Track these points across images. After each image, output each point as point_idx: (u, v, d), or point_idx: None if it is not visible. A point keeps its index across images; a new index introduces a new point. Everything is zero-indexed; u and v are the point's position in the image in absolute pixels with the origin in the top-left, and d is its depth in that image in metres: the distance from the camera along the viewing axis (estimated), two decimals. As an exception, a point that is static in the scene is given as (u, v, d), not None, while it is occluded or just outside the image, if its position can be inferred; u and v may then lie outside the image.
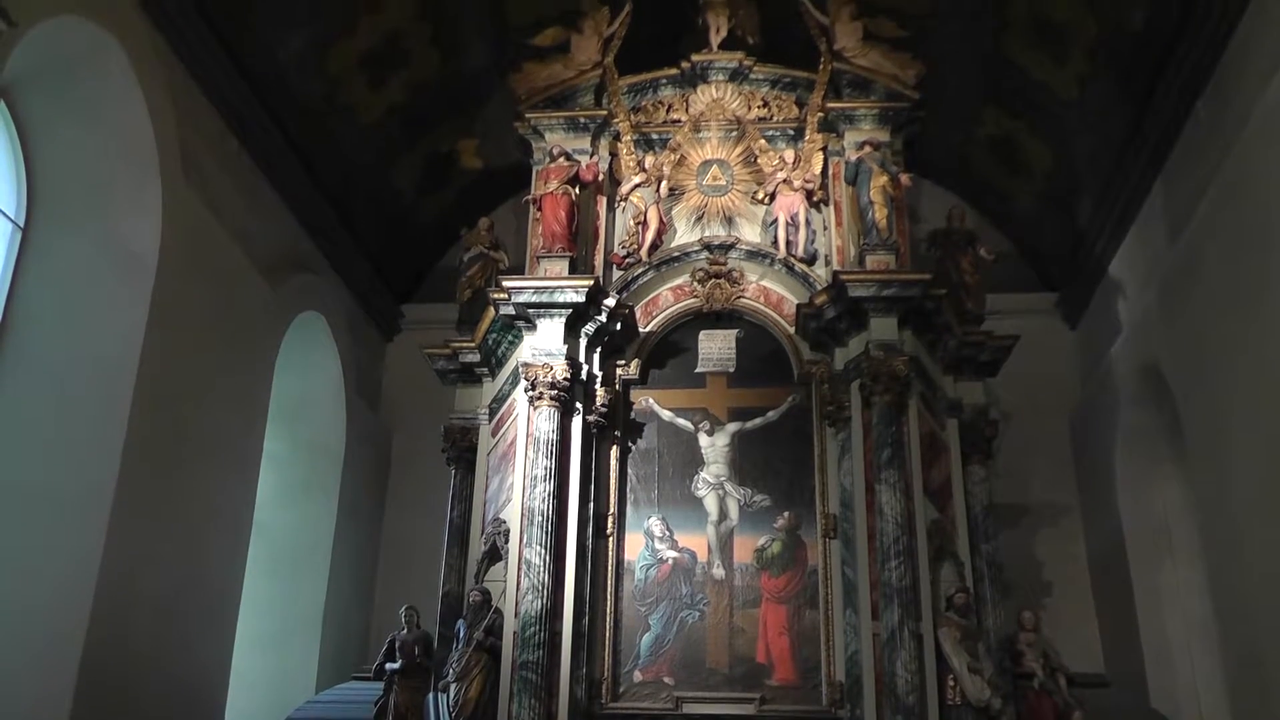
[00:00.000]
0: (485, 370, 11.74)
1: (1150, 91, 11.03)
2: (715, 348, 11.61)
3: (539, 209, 11.44)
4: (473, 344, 11.63)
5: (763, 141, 12.00)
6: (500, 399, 11.51)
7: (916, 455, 10.57)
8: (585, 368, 10.97)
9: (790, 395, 11.31)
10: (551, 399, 10.59)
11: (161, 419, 9.86)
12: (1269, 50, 9.11)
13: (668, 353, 11.65)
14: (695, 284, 11.65)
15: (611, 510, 10.94)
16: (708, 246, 11.67)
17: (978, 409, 11.43)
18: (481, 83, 13.65)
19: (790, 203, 11.63)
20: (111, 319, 9.58)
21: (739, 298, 11.61)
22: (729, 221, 11.88)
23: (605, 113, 12.05)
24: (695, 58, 12.20)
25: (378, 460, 14.51)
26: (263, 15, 10.82)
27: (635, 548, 10.94)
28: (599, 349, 11.21)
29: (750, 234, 11.80)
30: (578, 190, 11.46)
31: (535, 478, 10.37)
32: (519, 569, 10.23)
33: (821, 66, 11.92)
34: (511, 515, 10.68)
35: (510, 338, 11.41)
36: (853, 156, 11.47)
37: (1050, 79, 12.32)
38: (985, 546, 10.94)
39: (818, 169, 11.82)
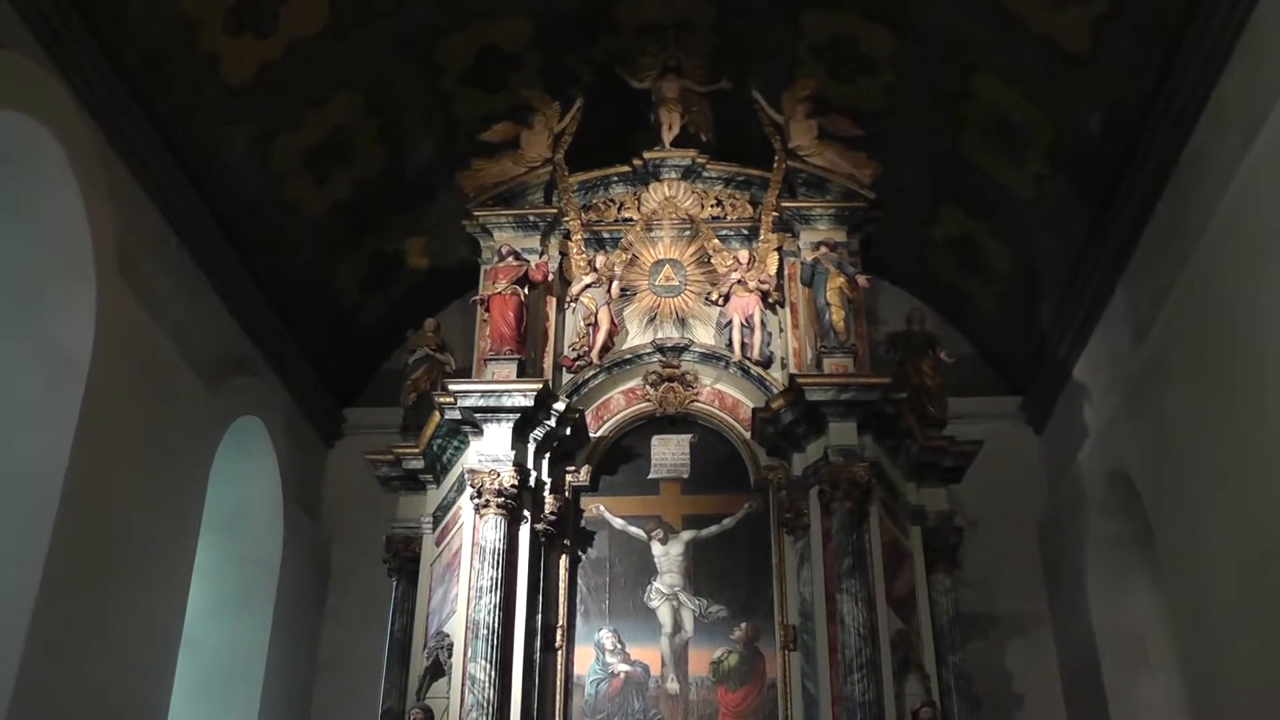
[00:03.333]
0: (429, 477, 11.84)
1: (1110, 193, 11.38)
2: (669, 453, 11.76)
3: (487, 310, 11.64)
4: (417, 450, 11.74)
5: (716, 241, 12.30)
6: (445, 507, 11.59)
7: (879, 564, 10.69)
8: (534, 474, 11.06)
9: (746, 502, 11.44)
10: (498, 507, 10.66)
11: (87, 530, 9.80)
12: (1227, 152, 9.42)
13: (620, 458, 11.78)
14: (648, 387, 11.82)
15: (561, 622, 10.98)
16: (660, 349, 11.87)
17: (942, 516, 11.60)
18: (429, 179, 13.91)
19: (745, 304, 11.88)
20: (39, 423, 9.57)
21: (693, 402, 11.78)
22: (682, 323, 12.11)
23: (555, 211, 12.33)
24: (647, 155, 12.53)
25: (316, 572, 14.43)
26: (207, 111, 11.04)
27: (585, 661, 10.96)
28: (548, 455, 11.33)
29: (704, 336, 12.03)
30: (527, 290, 11.67)
31: (481, 589, 10.41)
32: (463, 685, 10.22)
33: (776, 165, 12.28)
34: (456, 628, 10.70)
35: (456, 443, 11.52)
36: (809, 257, 11.73)
37: (1008, 179, 12.70)
38: (952, 658, 11.04)
39: (773, 269, 12.12)
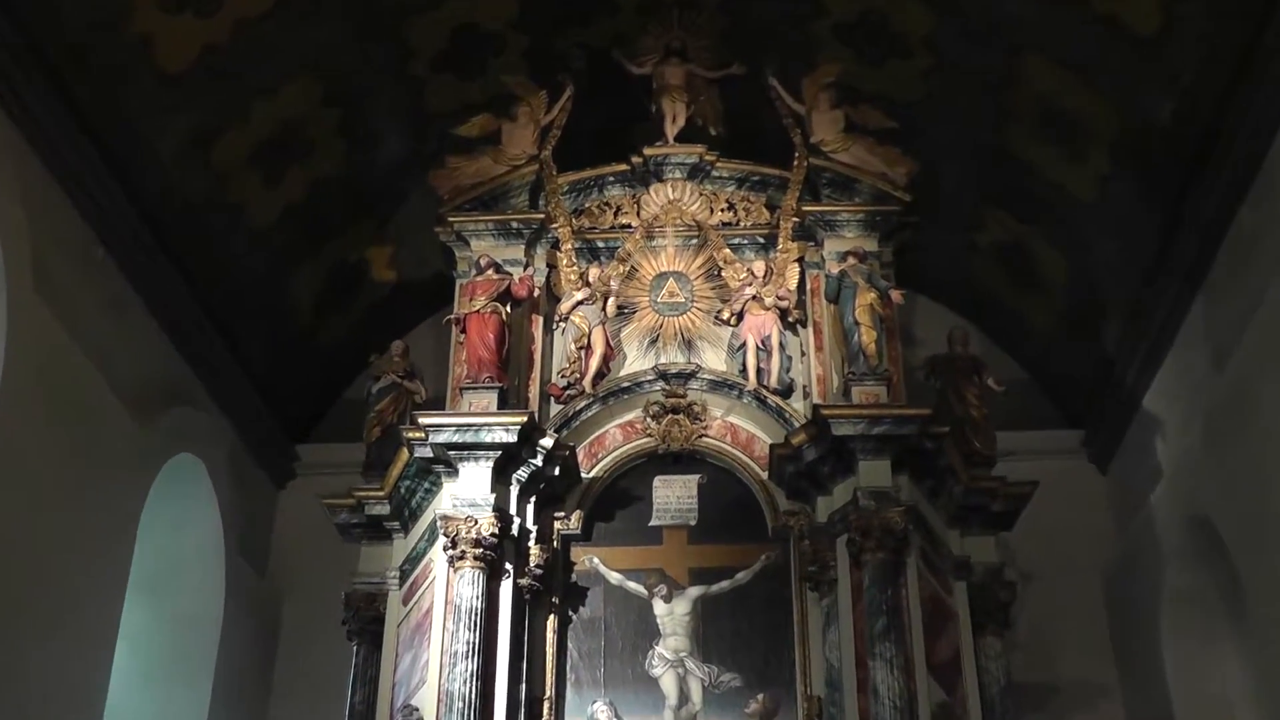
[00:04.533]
0: (396, 524, 11.81)
1: (1183, 195, 11.37)
2: (673, 496, 11.74)
3: (463, 331, 11.63)
4: (381, 493, 11.71)
5: (727, 251, 12.32)
6: (414, 559, 11.56)
7: (918, 625, 10.64)
8: (517, 521, 11.03)
9: (763, 553, 11.42)
10: (476, 559, 10.62)
11: (-4, 586, 9.77)
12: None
13: (616, 502, 11.77)
14: (649, 420, 11.81)
15: (548, 693, 10.91)
16: (663, 375, 11.86)
17: (991, 569, 11.58)
18: (396, 180, 13.94)
19: (761, 324, 11.88)
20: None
21: (701, 437, 11.78)
22: (688, 345, 12.11)
23: (542, 216, 12.36)
24: (648, 151, 12.56)
25: (263, 634, 14.35)
26: (137, 101, 11.02)
27: (577, 739, 10.92)
28: (533, 498, 11.30)
29: (714, 361, 12.03)
30: (509, 308, 11.66)
31: (455, 654, 10.34)
32: (434, 767, 10.19)
33: (796, 163, 12.33)
34: (426, 700, 10.63)
35: (427, 485, 11.50)
36: (834, 269, 11.74)
37: (1065, 178, 12.69)
38: (1004, 735, 11.01)
39: (793, 284, 12.15)
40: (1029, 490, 11.69)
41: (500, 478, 11.02)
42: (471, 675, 10.26)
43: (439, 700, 10.35)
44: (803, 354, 12.02)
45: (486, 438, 10.93)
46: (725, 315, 12.15)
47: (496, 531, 10.73)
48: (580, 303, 12.12)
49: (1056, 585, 13.80)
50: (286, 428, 15.11)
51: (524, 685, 10.77)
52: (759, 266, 12.19)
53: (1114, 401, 13.79)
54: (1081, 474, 14.55)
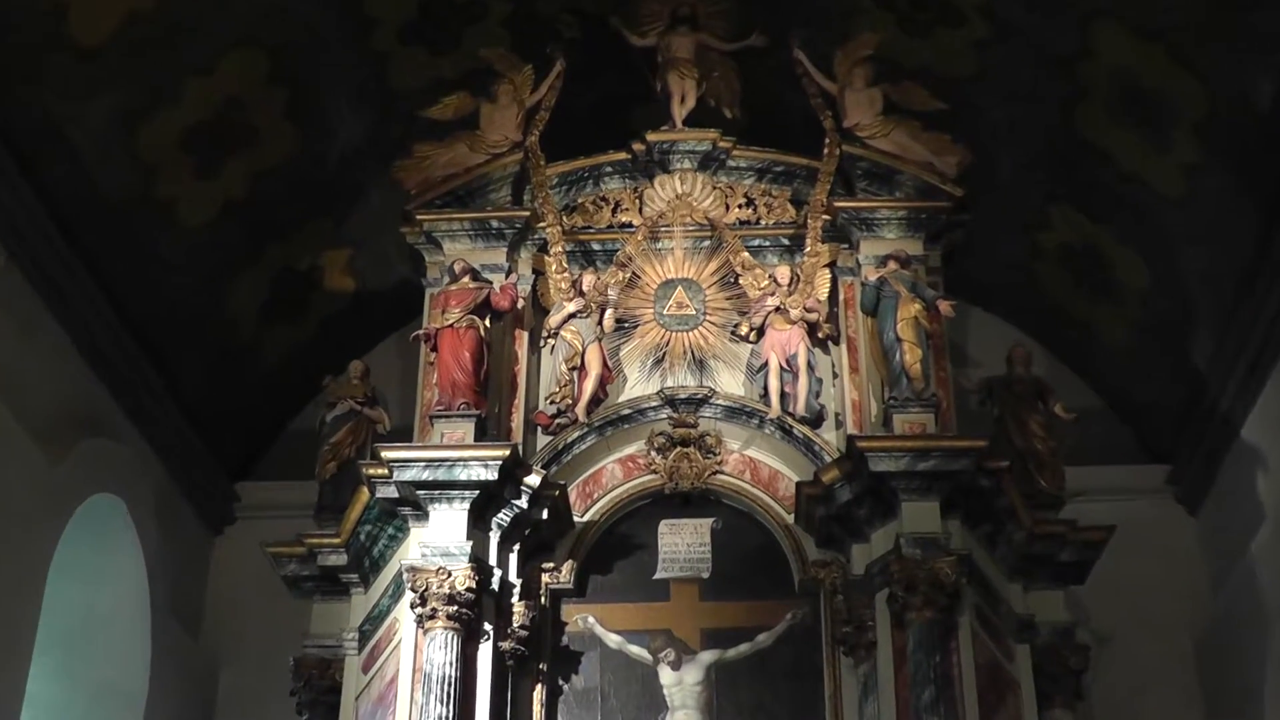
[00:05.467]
0: (355, 577, 11.77)
1: (1286, 188, 11.33)
2: (682, 544, 11.70)
3: (434, 348, 11.58)
4: (337, 540, 11.65)
5: (746, 254, 12.29)
6: (376, 618, 11.50)
7: (972, 696, 10.58)
8: (498, 573, 10.98)
9: (789, 611, 11.40)
10: (449, 618, 10.56)
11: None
12: None
13: (615, 551, 11.74)
14: (654, 454, 11.79)
15: (535, 778, 10.89)
16: (671, 401, 11.83)
17: (1059, 630, 11.55)
18: (355, 171, 13.87)
19: (786, 340, 11.83)
20: None
21: (715, 474, 11.75)
22: (700, 366, 12.08)
23: (527, 214, 12.32)
24: (652, 137, 12.53)
25: (196, 705, 14.27)
26: (50, 78, 10.94)
27: (569, 834, 10.89)
28: (517, 546, 11.26)
29: (730, 384, 12.01)
30: (489, 322, 11.64)
31: (425, 731, 10.32)
32: None
33: (826, 151, 12.30)
34: (390, 787, 10.60)
35: (391, 531, 11.45)
36: (872, 276, 11.71)
37: (1146, 170, 12.64)
38: (1077, 826, 11.01)
39: (823, 293, 12.14)
40: (1104, 536, 11.64)
41: (478, 522, 10.97)
42: (444, 756, 10.22)
43: (407, 786, 10.32)
44: (835, 376, 11.99)
45: (462, 475, 10.87)
46: (743, 330, 12.12)
47: (474, 585, 10.65)
48: (572, 316, 12.05)
49: (1138, 649, 13.65)
50: (224, 463, 15.03)
51: (507, 769, 10.72)
52: (783, 273, 12.15)
53: (1206, 431, 13.67)
54: (1168, 517, 14.39)
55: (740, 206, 12.57)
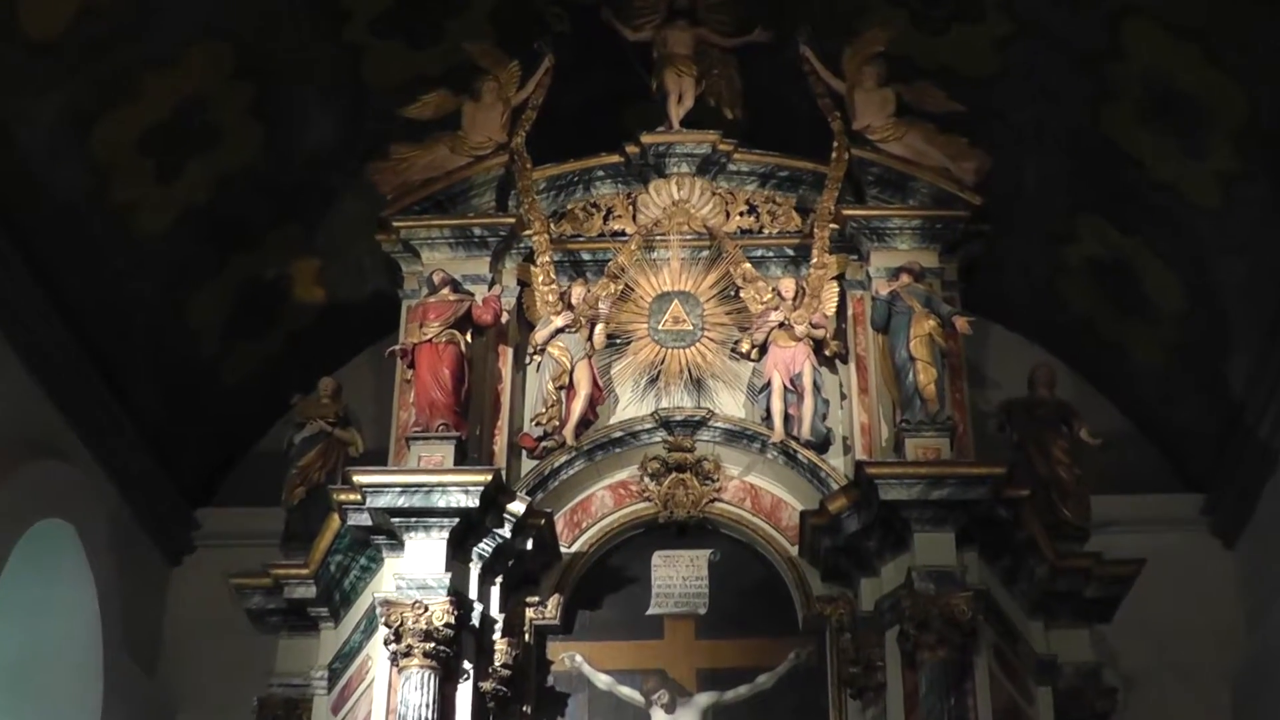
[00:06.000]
0: (324, 611, 11.82)
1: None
2: (677, 577, 11.74)
3: (411, 365, 11.61)
4: (306, 570, 11.68)
5: (747, 266, 12.32)
6: (347, 655, 11.53)
7: (990, 742, 10.64)
8: (478, 608, 11.00)
9: (792, 650, 11.43)
10: (426, 655, 10.57)
11: None
12: None
13: (605, 584, 11.78)
14: (647, 480, 11.83)
15: (516, 830, 10.92)
16: (666, 424, 11.86)
17: (1085, 671, 11.56)
18: (327, 174, 13.92)
19: (790, 359, 11.85)
20: None
21: (713, 501, 11.78)
22: (698, 386, 12.13)
23: (513, 221, 12.37)
24: (647, 139, 12.58)
25: (153, 751, 14.28)
26: (-3, 73, 10.98)
27: None
28: (500, 579, 11.29)
29: (730, 405, 12.07)
30: (470, 337, 11.66)
31: (400, 779, 10.34)
32: None
33: (835, 155, 12.32)
34: (361, 838, 10.63)
35: (364, 562, 11.49)
36: (883, 290, 11.76)
37: (1179, 178, 12.68)
38: None
39: (831, 308, 12.19)
40: (1134, 570, 11.68)
41: (457, 553, 11.00)
42: (420, 806, 10.26)
43: (379, 837, 10.36)
44: (843, 397, 12.05)
45: (440, 502, 10.89)
46: (744, 347, 12.17)
47: (452, 621, 10.67)
48: (560, 331, 12.07)
49: (1169, 692, 13.66)
50: (183, 488, 15.00)
51: (488, 819, 10.77)
52: (787, 286, 12.17)
53: (1243, 457, 13.67)
54: (1202, 549, 14.37)
55: (742, 214, 12.62)
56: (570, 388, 11.94)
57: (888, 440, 11.53)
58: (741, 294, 12.30)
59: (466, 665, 10.87)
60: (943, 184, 12.20)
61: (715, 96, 13.00)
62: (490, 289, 12.13)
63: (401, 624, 10.62)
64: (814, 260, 12.24)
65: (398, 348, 11.91)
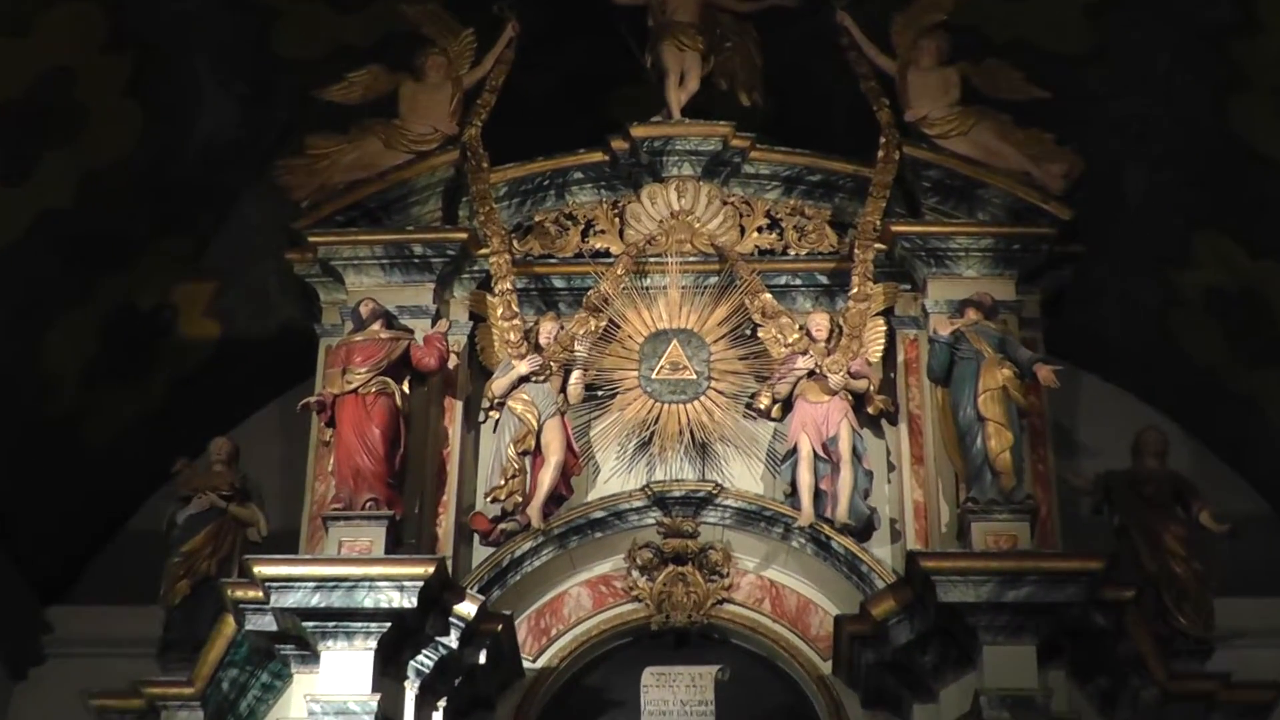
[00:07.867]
0: (214, 743, 11.83)
1: None
2: (675, 700, 11.84)
3: (330, 423, 11.72)
4: (190, 690, 11.68)
5: (768, 297, 12.40)
6: (244, 802, 11.61)
7: None
8: (416, 739, 11.10)
9: (825, 799, 11.49)
10: (347, 805, 10.69)
11: None
12: None
13: (582, 710, 11.86)
14: (635, 575, 11.96)
15: None
16: (661, 501, 11.95)
17: (1209, 824, 11.61)
18: (223, 173, 13.98)
19: (823, 417, 11.90)
20: None
21: (721, 603, 11.89)
22: (702, 452, 12.22)
23: (464, 236, 12.48)
24: (639, 132, 12.71)
25: None
26: None
27: None
28: (444, 702, 11.38)
29: (744, 478, 12.17)
30: (408, 386, 11.78)
31: None
32: None
33: (882, 154, 12.43)
34: None
35: (266, 679, 11.58)
36: (944, 330, 11.78)
37: (1324, 186, 12.77)
38: None
39: (875, 352, 12.30)
40: (1272, 697, 11.70)
41: (388, 667, 11.07)
42: None
43: None
44: (891, 468, 12.16)
45: (367, 601, 10.95)
46: (763, 403, 12.24)
47: (382, 759, 10.78)
48: (525, 379, 12.12)
49: None
50: (31, 581, 14.98)
51: None
52: (819, 323, 12.25)
53: None
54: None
55: (761, 230, 12.77)
56: (537, 453, 11.97)
57: (949, 525, 11.63)
58: (760, 333, 12.37)
59: (401, 818, 10.96)
60: (1021, 192, 12.29)
61: (728, 78, 13.15)
62: (434, 324, 12.24)
63: (317, 761, 10.72)
64: (854, 290, 12.26)
65: (313, 399, 11.98)
